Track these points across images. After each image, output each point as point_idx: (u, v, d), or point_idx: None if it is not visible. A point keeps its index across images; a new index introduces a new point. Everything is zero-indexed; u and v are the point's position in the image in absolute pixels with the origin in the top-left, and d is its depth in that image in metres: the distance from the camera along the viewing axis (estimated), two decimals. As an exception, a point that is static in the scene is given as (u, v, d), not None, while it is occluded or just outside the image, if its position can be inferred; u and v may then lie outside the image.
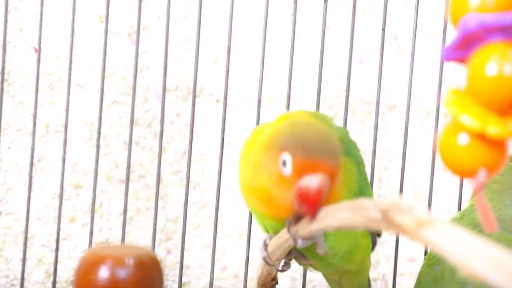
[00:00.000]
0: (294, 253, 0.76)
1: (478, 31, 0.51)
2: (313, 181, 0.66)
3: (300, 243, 0.71)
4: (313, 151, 0.68)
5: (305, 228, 0.68)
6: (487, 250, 0.45)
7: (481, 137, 0.52)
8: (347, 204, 0.58)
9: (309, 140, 0.68)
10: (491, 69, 0.50)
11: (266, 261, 0.77)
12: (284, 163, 0.68)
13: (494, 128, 0.51)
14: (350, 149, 0.76)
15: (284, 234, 0.72)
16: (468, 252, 0.46)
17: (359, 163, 0.77)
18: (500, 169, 0.53)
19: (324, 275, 0.84)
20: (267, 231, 0.77)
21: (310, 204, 0.66)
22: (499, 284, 0.43)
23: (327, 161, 0.67)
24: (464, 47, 0.52)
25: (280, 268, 0.79)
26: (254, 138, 0.74)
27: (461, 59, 0.53)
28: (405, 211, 0.51)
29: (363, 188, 0.76)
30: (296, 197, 0.67)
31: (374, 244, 0.86)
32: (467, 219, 0.79)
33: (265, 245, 0.76)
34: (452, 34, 0.53)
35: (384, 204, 0.52)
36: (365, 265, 0.83)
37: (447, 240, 0.47)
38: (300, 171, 0.67)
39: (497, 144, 0.52)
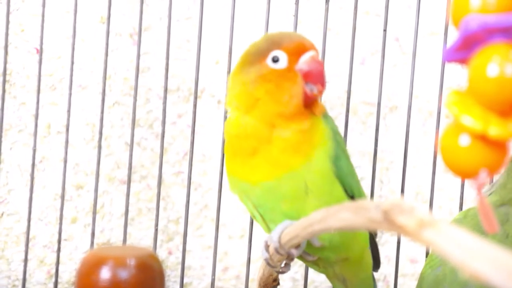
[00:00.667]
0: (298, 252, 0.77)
1: (479, 32, 0.51)
2: (311, 55, 0.74)
3: (295, 253, 0.73)
4: (295, 37, 0.75)
5: (290, 238, 0.69)
6: (489, 251, 0.45)
7: (482, 138, 0.52)
8: (348, 205, 0.58)
9: (284, 34, 0.76)
10: (493, 70, 0.50)
11: (268, 262, 0.77)
12: (274, 60, 0.74)
13: (495, 129, 0.51)
14: (327, 118, 0.78)
15: (285, 236, 0.72)
16: (470, 253, 0.46)
17: (336, 134, 0.79)
18: (501, 170, 0.53)
19: (327, 275, 0.84)
20: (269, 232, 0.78)
21: (320, 74, 0.73)
22: (501, 285, 0.43)
23: (310, 40, 0.75)
24: (465, 48, 0.52)
25: (280, 270, 0.79)
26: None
27: (463, 60, 0.53)
28: (406, 212, 0.51)
29: (340, 157, 0.78)
30: (302, 76, 0.74)
31: (377, 260, 0.86)
32: (469, 220, 0.79)
33: (267, 246, 0.76)
34: (454, 35, 0.53)
35: (385, 205, 0.52)
36: (364, 256, 0.82)
37: (449, 241, 0.47)
38: (294, 55, 0.74)
39: (498, 145, 0.52)
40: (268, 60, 0.75)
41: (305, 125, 0.74)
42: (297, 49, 0.75)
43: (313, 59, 0.74)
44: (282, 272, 0.80)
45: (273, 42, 0.75)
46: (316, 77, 0.74)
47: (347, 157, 0.79)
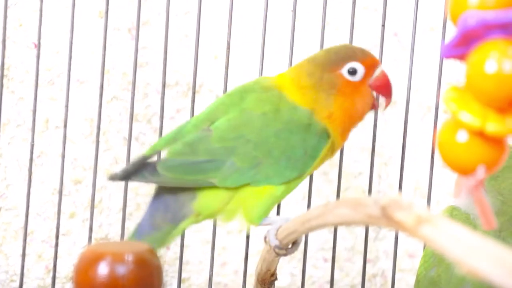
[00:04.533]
0: None
1: (478, 29, 0.51)
2: (382, 69, 0.80)
3: (291, 251, 0.76)
4: (366, 51, 0.80)
5: (288, 233, 0.70)
6: (487, 247, 0.45)
7: (480, 134, 0.52)
8: (346, 201, 0.58)
9: (355, 47, 0.81)
10: (491, 66, 0.50)
11: (276, 251, 0.78)
12: (350, 71, 0.79)
13: (493, 125, 0.51)
14: None
15: (283, 231, 0.72)
16: (468, 249, 0.46)
17: None
18: (499, 166, 0.53)
19: None
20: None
21: (389, 87, 0.81)
22: (499, 281, 0.43)
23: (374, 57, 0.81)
24: (464, 45, 0.52)
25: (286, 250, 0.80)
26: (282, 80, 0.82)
27: (461, 56, 0.53)
28: (404, 208, 0.51)
29: None
30: (375, 89, 0.80)
31: None
32: (459, 212, 0.79)
33: (276, 234, 0.77)
34: (452, 31, 0.53)
35: (383, 201, 0.52)
36: None
37: (447, 238, 0.47)
38: (369, 69, 0.79)
39: (496, 142, 0.52)
40: (344, 71, 0.79)
41: None
42: (372, 63, 0.80)
43: (384, 74, 0.81)
44: (286, 254, 0.80)
45: (349, 54, 0.80)
46: (387, 91, 0.81)
47: None
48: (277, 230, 0.77)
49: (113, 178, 0.80)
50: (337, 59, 0.79)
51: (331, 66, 0.79)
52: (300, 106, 0.79)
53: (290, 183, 0.80)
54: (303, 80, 0.79)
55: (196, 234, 1.14)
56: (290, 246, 0.80)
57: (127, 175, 0.80)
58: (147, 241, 0.81)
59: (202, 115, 0.83)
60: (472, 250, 0.45)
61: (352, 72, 0.79)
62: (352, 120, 0.80)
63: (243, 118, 0.80)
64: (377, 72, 0.80)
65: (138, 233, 0.83)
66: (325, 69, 0.79)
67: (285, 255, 0.80)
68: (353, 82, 0.79)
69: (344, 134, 0.81)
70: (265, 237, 0.78)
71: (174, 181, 0.80)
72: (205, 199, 0.80)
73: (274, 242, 0.77)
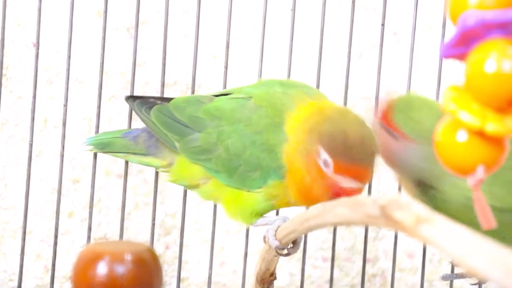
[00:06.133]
0: None
1: (477, 28, 0.50)
2: (352, 185, 0.73)
3: (292, 251, 0.75)
4: (355, 157, 0.73)
5: (287, 233, 0.70)
6: (486, 246, 0.45)
7: (479, 134, 0.52)
8: (345, 200, 0.58)
9: (351, 143, 0.73)
10: (490, 66, 0.50)
11: (278, 251, 0.78)
12: (325, 164, 0.73)
13: (492, 125, 0.51)
14: None
15: (282, 231, 0.72)
16: (467, 248, 0.45)
17: None
18: (498, 166, 0.53)
19: None
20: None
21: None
22: (498, 280, 0.43)
23: (366, 170, 0.73)
24: (463, 44, 0.52)
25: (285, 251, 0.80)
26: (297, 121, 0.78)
27: (460, 56, 0.53)
28: (403, 208, 0.51)
29: None
30: (333, 190, 0.73)
31: None
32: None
33: (275, 234, 0.76)
34: (452, 30, 0.53)
35: (382, 200, 0.52)
36: None
37: (446, 237, 0.47)
38: (342, 173, 0.73)
39: (496, 141, 0.52)
40: (321, 159, 0.74)
41: None
42: (348, 170, 0.73)
43: (350, 193, 0.73)
44: (288, 254, 0.80)
45: (332, 147, 0.73)
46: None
47: None
48: (276, 231, 0.77)
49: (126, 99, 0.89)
50: (328, 147, 0.74)
51: (311, 146, 0.75)
52: (284, 130, 0.77)
53: (241, 192, 0.80)
54: (303, 132, 0.77)
55: (195, 233, 1.14)
56: (290, 245, 0.79)
57: (134, 98, 0.88)
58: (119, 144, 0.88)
59: (253, 86, 0.84)
60: (471, 250, 0.45)
61: (325, 164, 0.74)
62: (302, 195, 0.77)
63: (236, 107, 0.80)
64: (345, 183, 0.74)
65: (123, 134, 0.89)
66: (311, 143, 0.75)
67: (287, 255, 0.80)
68: (325, 173, 0.74)
69: (298, 198, 0.78)
70: (264, 237, 0.78)
71: (152, 127, 0.83)
72: (178, 165, 0.82)
73: (274, 242, 0.77)
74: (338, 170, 0.73)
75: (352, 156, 0.73)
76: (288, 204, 0.80)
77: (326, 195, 0.74)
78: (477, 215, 0.54)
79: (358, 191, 0.73)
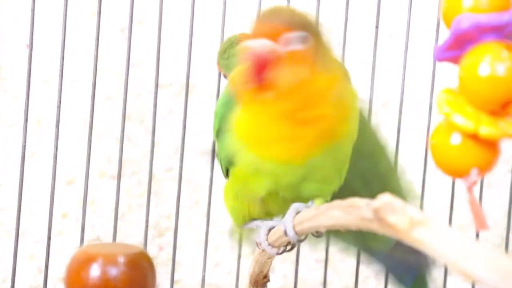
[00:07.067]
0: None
1: (471, 31, 0.50)
2: (259, 43, 0.63)
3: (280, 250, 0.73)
4: (266, 16, 0.65)
5: (281, 235, 0.69)
6: (480, 250, 0.45)
7: (473, 137, 0.52)
8: (339, 203, 0.58)
9: (270, 9, 0.66)
10: (484, 69, 0.50)
11: (271, 254, 0.77)
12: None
13: (486, 128, 0.51)
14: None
15: (276, 232, 0.72)
16: (462, 252, 0.45)
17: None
18: (492, 169, 0.53)
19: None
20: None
21: (252, 67, 0.64)
22: (493, 284, 0.43)
23: (277, 24, 0.64)
24: (457, 47, 0.52)
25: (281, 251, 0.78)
26: None
27: (454, 59, 0.53)
28: (397, 211, 0.51)
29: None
30: (251, 62, 0.64)
31: None
32: None
33: (266, 234, 0.75)
34: (446, 33, 0.53)
35: (376, 203, 0.52)
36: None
37: (440, 240, 0.47)
38: (253, 36, 0.64)
39: (489, 144, 0.52)
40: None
41: None
42: (256, 31, 0.65)
43: (253, 53, 0.64)
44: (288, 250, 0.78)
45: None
46: (251, 69, 0.65)
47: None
48: (267, 235, 0.76)
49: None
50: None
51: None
52: None
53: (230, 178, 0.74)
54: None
55: (189, 234, 1.13)
56: (287, 248, 0.79)
57: None
58: None
59: None
60: (465, 253, 0.45)
61: None
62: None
63: None
64: (248, 43, 0.65)
65: None
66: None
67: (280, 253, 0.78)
68: None
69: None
70: (257, 242, 0.77)
71: None
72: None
73: (267, 247, 0.76)
74: (248, 38, 0.65)
75: (258, 19, 0.65)
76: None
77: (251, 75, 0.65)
78: (473, 216, 0.54)
79: (269, 51, 0.64)
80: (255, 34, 0.64)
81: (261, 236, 0.75)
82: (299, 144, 0.68)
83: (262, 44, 0.64)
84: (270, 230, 0.74)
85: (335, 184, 0.73)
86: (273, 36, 0.64)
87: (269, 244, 0.74)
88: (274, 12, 0.66)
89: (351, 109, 0.70)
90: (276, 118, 0.67)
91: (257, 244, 0.77)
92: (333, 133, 0.68)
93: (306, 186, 0.71)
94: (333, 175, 0.72)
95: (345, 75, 0.72)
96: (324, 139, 0.68)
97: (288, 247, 0.77)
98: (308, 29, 0.66)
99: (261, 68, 0.64)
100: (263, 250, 0.76)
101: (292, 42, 0.65)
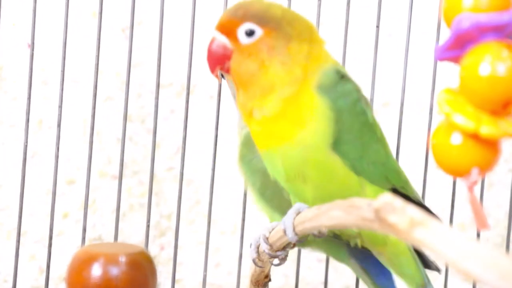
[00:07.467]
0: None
1: (471, 31, 0.51)
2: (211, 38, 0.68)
3: (282, 253, 0.72)
4: (228, 10, 0.69)
5: (280, 236, 0.69)
6: (480, 250, 0.45)
7: (474, 137, 0.52)
8: (340, 203, 0.58)
9: (238, 2, 0.69)
10: (485, 69, 0.50)
11: (255, 262, 0.76)
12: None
13: (487, 128, 0.51)
14: (337, 96, 0.72)
15: (275, 234, 0.71)
16: (462, 252, 0.45)
17: (345, 113, 0.73)
18: (492, 168, 0.53)
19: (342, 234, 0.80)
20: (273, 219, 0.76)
21: (208, 61, 0.70)
22: (493, 284, 0.43)
23: (232, 18, 0.68)
24: (457, 47, 0.52)
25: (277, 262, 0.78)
26: None
27: (455, 59, 0.53)
28: (398, 211, 0.51)
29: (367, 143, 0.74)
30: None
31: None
32: None
33: (266, 238, 0.74)
34: (446, 33, 0.53)
35: (377, 203, 0.52)
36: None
37: (440, 240, 0.47)
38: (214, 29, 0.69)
39: (490, 144, 0.52)
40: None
41: None
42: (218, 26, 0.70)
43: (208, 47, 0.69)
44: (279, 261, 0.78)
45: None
46: None
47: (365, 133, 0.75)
48: (266, 236, 0.75)
49: None
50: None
51: None
52: None
53: None
54: None
55: (190, 235, 1.13)
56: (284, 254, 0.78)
57: None
58: None
59: None
60: (465, 253, 0.45)
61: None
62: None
63: None
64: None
65: None
66: None
67: (278, 264, 0.78)
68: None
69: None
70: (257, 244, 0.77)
71: None
72: None
73: (265, 247, 0.75)
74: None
75: (224, 12, 0.70)
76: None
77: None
78: (473, 216, 0.54)
79: (218, 45, 0.69)
80: (216, 27, 0.69)
81: (261, 238, 0.74)
82: (261, 136, 0.69)
83: (214, 39, 0.69)
84: (270, 232, 0.74)
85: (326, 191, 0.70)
86: (229, 30, 0.67)
87: (270, 246, 0.74)
88: (237, 5, 0.68)
89: (301, 113, 0.67)
90: (240, 107, 0.71)
91: (254, 262, 0.76)
92: (278, 136, 0.67)
93: (298, 187, 0.71)
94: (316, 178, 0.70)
95: (316, 72, 0.70)
96: (271, 140, 0.68)
97: (284, 254, 0.76)
98: (263, 22, 0.67)
99: (214, 62, 0.69)
100: (260, 267, 0.76)
101: (242, 36, 0.67)
